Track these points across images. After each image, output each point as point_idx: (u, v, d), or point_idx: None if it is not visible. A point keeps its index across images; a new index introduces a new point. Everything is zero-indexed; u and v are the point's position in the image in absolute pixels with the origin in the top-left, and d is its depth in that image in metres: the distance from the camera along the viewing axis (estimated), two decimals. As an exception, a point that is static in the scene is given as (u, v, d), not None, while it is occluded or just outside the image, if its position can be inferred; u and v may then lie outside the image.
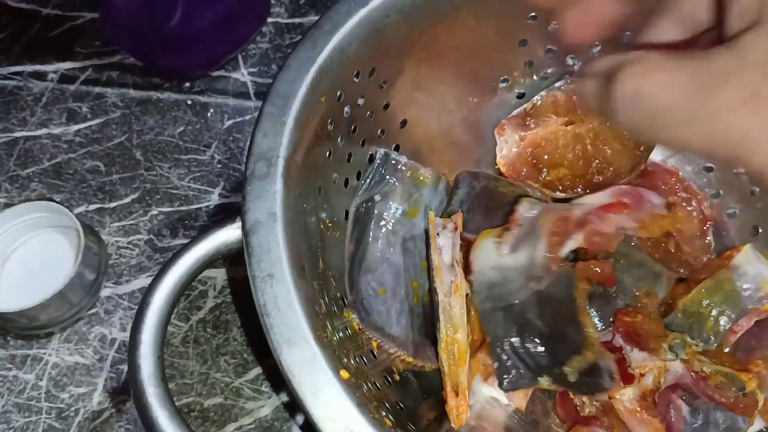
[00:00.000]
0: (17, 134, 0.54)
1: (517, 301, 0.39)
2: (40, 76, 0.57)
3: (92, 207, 0.52)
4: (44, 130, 0.54)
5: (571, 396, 0.40)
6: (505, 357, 0.39)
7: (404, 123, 0.46)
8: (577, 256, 0.43)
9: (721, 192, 0.47)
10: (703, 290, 0.41)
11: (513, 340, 0.39)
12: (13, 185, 0.52)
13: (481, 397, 0.42)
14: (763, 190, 0.45)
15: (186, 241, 0.50)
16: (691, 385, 0.38)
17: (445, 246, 0.41)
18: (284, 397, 0.46)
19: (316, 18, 0.39)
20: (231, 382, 0.46)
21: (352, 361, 0.36)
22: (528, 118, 0.46)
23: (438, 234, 0.41)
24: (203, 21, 0.52)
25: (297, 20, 0.59)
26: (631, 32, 0.27)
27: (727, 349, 0.42)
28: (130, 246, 0.50)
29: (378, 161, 0.44)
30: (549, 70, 0.47)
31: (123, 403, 0.46)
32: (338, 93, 0.39)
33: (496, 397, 0.41)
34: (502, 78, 0.48)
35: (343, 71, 0.39)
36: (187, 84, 0.56)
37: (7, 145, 0.54)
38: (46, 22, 0.59)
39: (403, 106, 0.45)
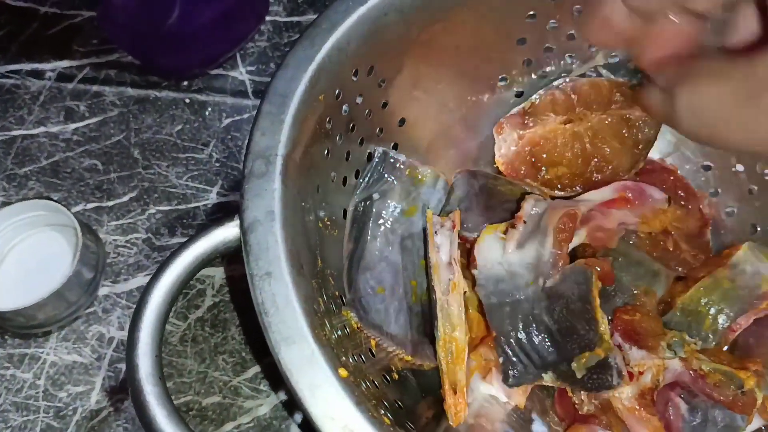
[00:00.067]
0: (15, 133, 0.54)
1: (523, 297, 0.39)
2: (38, 74, 0.57)
3: (90, 206, 0.51)
4: (42, 129, 0.54)
5: (570, 394, 0.40)
6: (510, 352, 0.39)
7: (403, 122, 0.46)
8: (575, 253, 0.43)
9: (719, 190, 0.47)
10: (701, 289, 0.41)
11: (519, 335, 0.39)
12: (10, 184, 0.52)
13: (480, 395, 0.42)
14: (761, 188, 0.45)
15: (184, 239, 0.50)
16: (690, 383, 0.38)
17: (443, 244, 0.41)
18: (283, 396, 0.46)
19: (315, 16, 0.40)
20: (229, 381, 0.46)
21: (350, 360, 0.36)
22: (527, 117, 0.46)
23: (436, 232, 0.41)
24: (201, 19, 0.52)
25: (295, 19, 0.59)
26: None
27: (725, 348, 0.42)
28: (128, 245, 0.50)
29: (376, 160, 0.44)
30: (548, 69, 0.47)
31: (121, 402, 0.45)
32: (337, 91, 0.39)
33: (495, 395, 0.42)
34: (500, 77, 0.48)
35: (342, 70, 0.39)
36: (185, 82, 0.56)
37: (5, 143, 0.54)
38: (44, 21, 0.59)
39: (401, 104, 0.45)
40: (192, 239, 0.33)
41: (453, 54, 0.45)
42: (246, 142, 0.35)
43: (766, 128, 0.23)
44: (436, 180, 0.45)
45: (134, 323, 0.31)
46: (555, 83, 0.46)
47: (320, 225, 0.40)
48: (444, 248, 0.41)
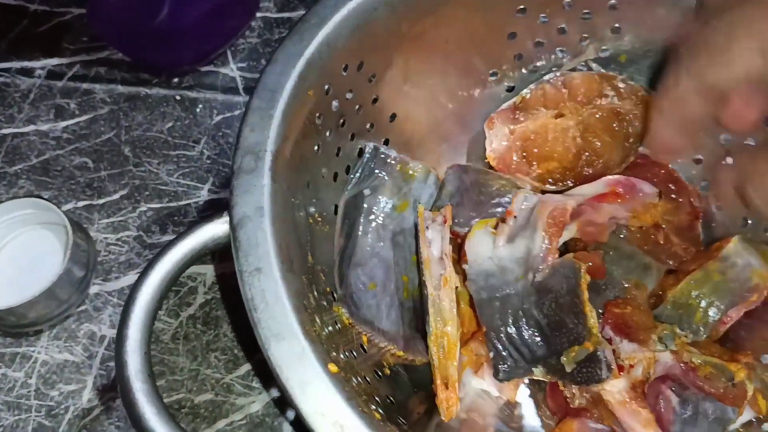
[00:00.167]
0: (5, 131, 0.54)
1: (513, 292, 0.39)
2: (28, 72, 0.56)
3: (81, 204, 0.51)
4: (32, 127, 0.54)
5: (561, 388, 0.40)
6: (500, 347, 0.39)
7: (393, 117, 0.46)
8: (567, 247, 0.43)
9: (710, 184, 0.47)
10: (692, 282, 0.41)
11: (509, 330, 0.39)
12: (0, 182, 0.52)
13: (472, 389, 0.42)
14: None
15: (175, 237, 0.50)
16: (681, 376, 0.39)
17: (435, 239, 0.41)
18: (275, 393, 0.46)
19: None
20: (221, 378, 0.46)
21: (341, 356, 0.36)
22: (517, 112, 0.46)
23: (427, 227, 0.41)
24: (191, 15, 0.52)
25: (286, 15, 0.59)
26: None
27: (716, 341, 0.42)
28: (119, 242, 0.50)
29: (367, 155, 0.44)
30: (538, 63, 0.47)
31: (113, 400, 0.45)
32: (326, 87, 0.39)
33: (487, 389, 0.42)
34: (491, 71, 0.48)
35: (331, 65, 0.39)
36: (176, 79, 0.56)
37: (-5, 142, 0.54)
38: (34, 18, 0.59)
39: (392, 100, 0.45)
40: (181, 236, 0.33)
41: (443, 49, 0.45)
42: (237, 138, 0.35)
43: None
44: (427, 175, 0.45)
45: (123, 320, 0.31)
46: (546, 77, 0.46)
47: (311, 221, 0.40)
48: (435, 243, 0.41)
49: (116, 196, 0.51)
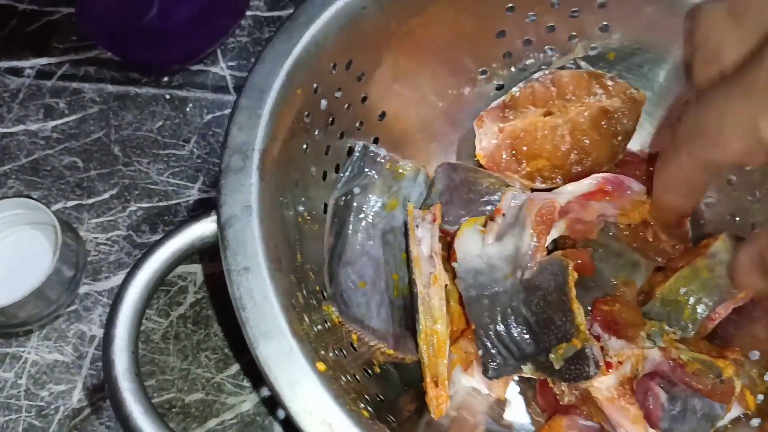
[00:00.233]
0: (-6, 131, 0.54)
1: (502, 289, 0.39)
2: (17, 71, 0.56)
3: (70, 203, 0.51)
4: (21, 127, 0.54)
5: (551, 385, 0.40)
6: (489, 344, 0.39)
7: (383, 115, 0.46)
8: (556, 245, 0.44)
9: (698, 181, 0.47)
10: (680, 278, 0.41)
11: (498, 327, 0.39)
12: (-11, 182, 0.52)
13: (462, 387, 0.42)
14: (740, 179, 0.45)
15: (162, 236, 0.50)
16: (669, 372, 0.39)
17: (424, 237, 0.41)
18: (265, 392, 0.46)
19: (295, 11, 0.39)
20: (212, 378, 0.46)
21: (330, 354, 0.36)
22: (507, 110, 0.46)
23: (417, 226, 0.41)
24: (181, 14, 0.52)
25: (276, 14, 0.59)
26: None
27: (705, 337, 0.42)
28: (109, 242, 0.50)
29: (357, 154, 0.44)
30: (527, 62, 0.47)
31: (103, 400, 0.45)
32: (315, 85, 0.39)
33: (476, 387, 0.42)
34: (480, 70, 0.48)
35: (320, 64, 0.39)
36: (166, 78, 0.56)
37: (-16, 141, 0.53)
38: (23, 18, 0.58)
39: (381, 98, 0.45)
40: (168, 235, 0.33)
41: (432, 47, 0.45)
42: (226, 137, 0.35)
43: None
44: (416, 174, 0.45)
45: (110, 320, 0.31)
46: (535, 76, 0.46)
47: (300, 220, 0.40)
48: (425, 241, 0.41)
49: (106, 196, 0.51)
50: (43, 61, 0.56)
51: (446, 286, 0.41)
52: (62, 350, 0.47)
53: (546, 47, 0.47)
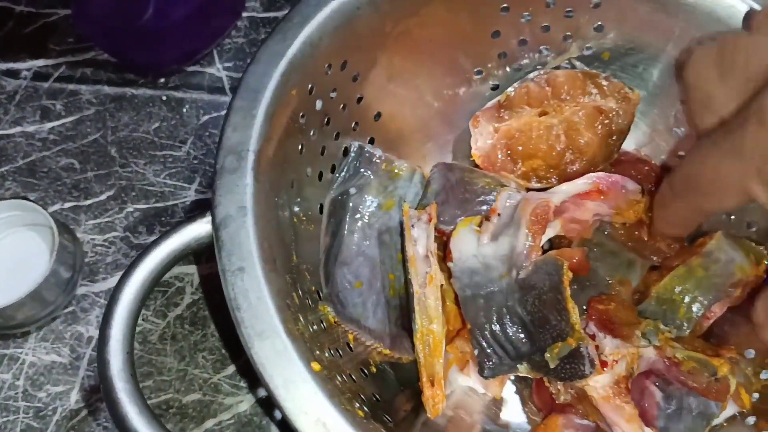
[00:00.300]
0: (-9, 133, 0.54)
1: (497, 289, 0.40)
2: (14, 73, 0.56)
3: (67, 205, 0.51)
4: (18, 129, 0.54)
5: (547, 384, 0.40)
6: (485, 344, 0.39)
7: (379, 116, 0.46)
8: (552, 244, 0.44)
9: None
10: (675, 277, 0.41)
11: (494, 327, 0.39)
12: (-14, 184, 0.52)
13: (458, 387, 0.42)
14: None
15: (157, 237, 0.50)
16: (664, 371, 0.39)
17: (420, 237, 0.41)
18: (263, 392, 0.46)
19: (290, 12, 0.39)
20: (209, 378, 0.46)
21: (326, 354, 0.36)
22: (502, 110, 0.46)
23: (412, 226, 0.42)
24: (177, 15, 0.52)
25: (272, 14, 0.59)
26: None
27: (701, 336, 0.43)
28: (106, 243, 0.50)
29: (352, 154, 0.44)
30: (522, 62, 0.47)
31: (101, 402, 0.45)
32: (309, 86, 0.39)
33: (473, 386, 0.42)
34: (476, 70, 0.48)
35: (314, 64, 0.39)
36: (162, 80, 0.56)
37: (-19, 143, 0.53)
38: (20, 20, 0.58)
39: (377, 99, 0.45)
40: (163, 236, 0.33)
41: (428, 48, 0.45)
42: (221, 138, 0.35)
43: None
44: (412, 174, 0.46)
45: (105, 320, 0.31)
46: (530, 76, 0.46)
47: (295, 220, 0.40)
48: (421, 241, 0.41)
49: (103, 197, 0.51)
50: (40, 62, 0.56)
51: (442, 285, 0.41)
52: (60, 351, 0.47)
53: (541, 47, 0.47)
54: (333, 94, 0.42)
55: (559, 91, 0.45)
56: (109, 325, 0.31)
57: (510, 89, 0.46)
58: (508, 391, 0.44)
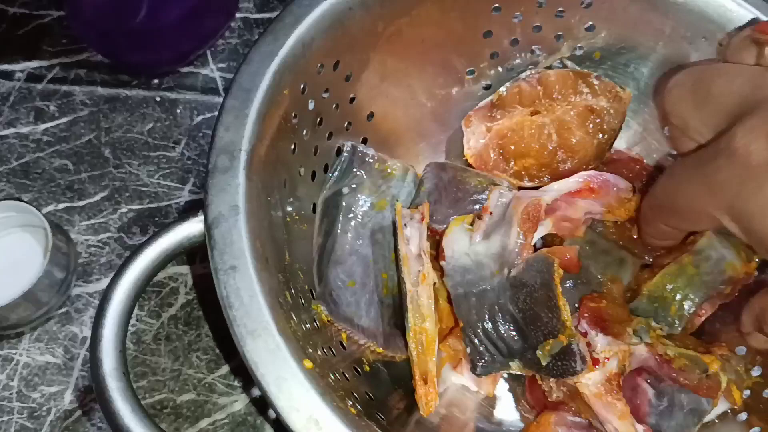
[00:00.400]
0: (-16, 134, 0.54)
1: (489, 287, 0.40)
2: (7, 75, 0.56)
3: (61, 206, 0.51)
4: (11, 130, 0.54)
5: (539, 382, 0.40)
6: (477, 342, 0.39)
7: (371, 116, 0.46)
8: (544, 242, 0.44)
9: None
10: (667, 275, 0.42)
11: (486, 325, 0.39)
12: (-20, 185, 0.52)
13: (451, 385, 0.42)
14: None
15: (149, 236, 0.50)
16: (656, 368, 0.39)
17: (413, 236, 0.41)
18: (256, 392, 0.46)
19: (284, 13, 0.39)
20: (203, 378, 0.46)
21: (319, 352, 0.36)
22: (494, 110, 0.46)
23: (405, 225, 0.42)
24: (170, 16, 0.52)
25: (266, 15, 0.59)
26: None
27: (692, 333, 0.43)
28: (100, 244, 0.50)
29: (345, 154, 0.44)
30: (514, 62, 0.48)
31: (95, 402, 0.45)
32: (302, 86, 0.39)
33: (466, 384, 0.42)
34: (468, 70, 0.48)
35: (306, 64, 0.39)
36: (156, 81, 0.56)
37: (-26, 145, 0.54)
38: (13, 21, 0.58)
39: (369, 98, 0.45)
40: (155, 235, 0.33)
41: (420, 48, 0.46)
42: (214, 138, 0.35)
43: None
44: (405, 173, 0.46)
45: (97, 319, 0.31)
46: (522, 75, 0.46)
47: (288, 219, 0.40)
48: (413, 240, 0.42)
49: (97, 198, 0.52)
50: (34, 64, 0.56)
51: (435, 284, 0.41)
52: (54, 352, 0.47)
53: (533, 47, 0.47)
54: (325, 94, 0.42)
55: (550, 90, 0.45)
56: (102, 324, 0.31)
57: (502, 89, 0.46)
58: (501, 389, 0.44)
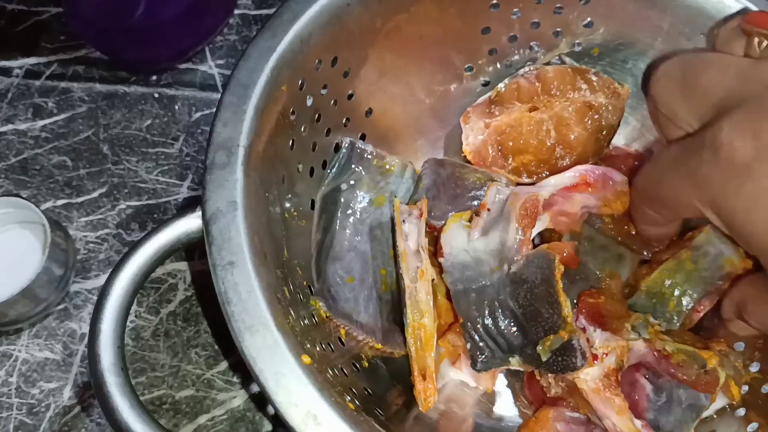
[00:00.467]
0: (-17, 131, 0.54)
1: (489, 283, 0.40)
2: (5, 71, 0.56)
3: (59, 202, 0.51)
4: (10, 126, 0.54)
5: (538, 377, 0.40)
6: (477, 337, 0.39)
7: (370, 112, 0.46)
8: (542, 238, 0.44)
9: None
10: (665, 271, 0.42)
11: (486, 320, 0.39)
12: (-21, 182, 0.52)
13: (450, 380, 0.42)
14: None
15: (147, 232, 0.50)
16: (654, 363, 0.39)
17: (411, 232, 0.41)
18: (255, 388, 0.46)
19: (282, 9, 0.39)
20: (202, 374, 0.46)
21: (317, 348, 0.36)
22: (492, 106, 0.46)
23: (403, 221, 0.42)
24: (168, 13, 0.52)
25: (264, 12, 0.59)
26: None
27: (691, 329, 0.43)
28: (99, 240, 0.50)
29: (344, 150, 0.44)
30: (513, 58, 0.48)
31: (93, 398, 0.45)
32: (300, 82, 0.39)
33: (464, 380, 0.42)
34: (466, 66, 0.48)
35: (304, 60, 0.39)
36: (154, 77, 0.56)
37: (-27, 141, 0.54)
38: (11, 18, 0.58)
39: (368, 95, 0.45)
40: (154, 231, 0.33)
41: (418, 44, 0.45)
42: (213, 134, 0.35)
43: None
44: (404, 169, 0.46)
45: (96, 315, 0.31)
46: (520, 72, 0.46)
47: (287, 215, 0.40)
48: (412, 236, 0.42)
49: (95, 194, 0.52)
50: (32, 60, 0.56)
51: (433, 280, 0.41)
52: (53, 348, 0.47)
53: (531, 43, 0.47)
54: (323, 90, 0.42)
55: (549, 86, 0.45)
56: (100, 320, 0.31)
57: (500, 85, 0.46)
58: (500, 385, 0.44)
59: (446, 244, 0.42)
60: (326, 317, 0.40)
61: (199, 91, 0.55)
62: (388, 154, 0.45)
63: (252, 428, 0.45)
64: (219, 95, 0.55)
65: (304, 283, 0.40)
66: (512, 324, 0.39)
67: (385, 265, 0.44)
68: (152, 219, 0.51)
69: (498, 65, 0.48)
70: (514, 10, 0.45)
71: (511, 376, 0.45)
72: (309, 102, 0.41)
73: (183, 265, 0.49)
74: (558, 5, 0.45)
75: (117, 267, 0.32)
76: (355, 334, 0.42)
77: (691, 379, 0.39)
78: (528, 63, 0.47)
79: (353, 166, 0.44)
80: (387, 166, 0.45)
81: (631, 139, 0.48)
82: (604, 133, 0.45)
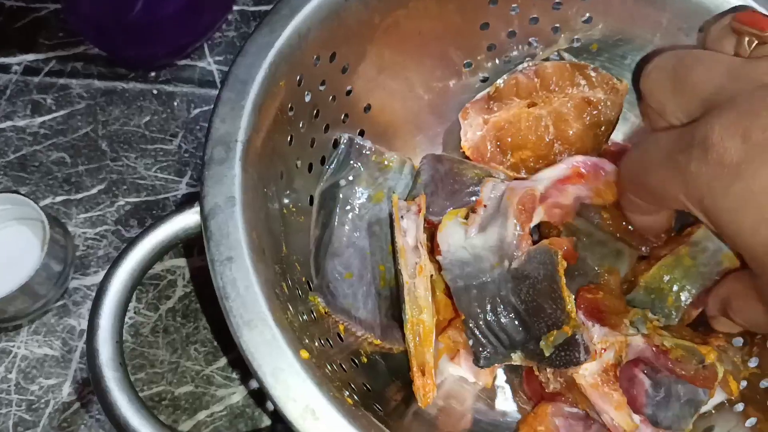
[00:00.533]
0: (-19, 127, 0.54)
1: (490, 279, 0.40)
2: (4, 68, 0.56)
3: (58, 199, 0.51)
4: (8, 123, 0.54)
5: (537, 373, 0.40)
6: (479, 334, 0.39)
7: (368, 108, 0.46)
8: (540, 233, 0.44)
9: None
10: (663, 266, 0.42)
11: (488, 317, 0.39)
12: (-23, 179, 0.52)
13: (449, 376, 0.42)
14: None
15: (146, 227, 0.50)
16: (652, 359, 0.39)
17: (409, 228, 0.41)
18: (254, 384, 0.46)
19: (281, 6, 0.39)
20: (201, 370, 0.46)
21: (316, 344, 0.36)
22: (491, 102, 0.46)
23: (402, 217, 0.42)
24: (167, 9, 0.52)
25: (263, 8, 0.59)
26: None
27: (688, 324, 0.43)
28: (97, 237, 0.50)
29: (342, 146, 0.45)
30: (511, 54, 0.48)
31: (93, 394, 0.45)
32: (298, 78, 0.39)
33: (463, 376, 0.42)
34: (465, 62, 0.48)
35: (303, 56, 0.39)
36: (153, 73, 0.56)
37: (-29, 138, 0.54)
38: (10, 14, 0.58)
39: (366, 91, 0.45)
40: (152, 226, 0.33)
41: (417, 40, 0.45)
42: (211, 130, 0.35)
43: None
44: (402, 165, 0.46)
45: (94, 310, 0.31)
46: (519, 67, 0.46)
47: (285, 211, 0.40)
48: (410, 232, 0.42)
49: (94, 191, 0.52)
50: (30, 57, 0.56)
51: (432, 276, 0.41)
52: (52, 344, 0.47)
53: (530, 39, 0.47)
54: (322, 86, 0.42)
55: (547, 82, 0.45)
56: (98, 315, 0.31)
57: (499, 81, 0.46)
58: (499, 381, 0.45)
59: (443, 241, 0.41)
60: (325, 313, 0.40)
61: (198, 88, 0.55)
62: (386, 150, 0.45)
63: (251, 424, 0.45)
64: (217, 91, 0.55)
65: (303, 278, 0.40)
66: (514, 320, 0.39)
67: (383, 260, 0.44)
68: (151, 215, 0.51)
69: (497, 61, 0.48)
70: (513, 5, 0.45)
71: (510, 371, 0.45)
72: (307, 98, 0.41)
73: (182, 262, 0.49)
74: (557, 1, 0.45)
75: (115, 262, 0.32)
76: (354, 330, 0.42)
77: (689, 374, 0.39)
78: (527, 59, 0.47)
79: (352, 162, 0.44)
80: (385, 162, 0.45)
81: (629, 135, 0.48)
82: (603, 128, 0.45)
